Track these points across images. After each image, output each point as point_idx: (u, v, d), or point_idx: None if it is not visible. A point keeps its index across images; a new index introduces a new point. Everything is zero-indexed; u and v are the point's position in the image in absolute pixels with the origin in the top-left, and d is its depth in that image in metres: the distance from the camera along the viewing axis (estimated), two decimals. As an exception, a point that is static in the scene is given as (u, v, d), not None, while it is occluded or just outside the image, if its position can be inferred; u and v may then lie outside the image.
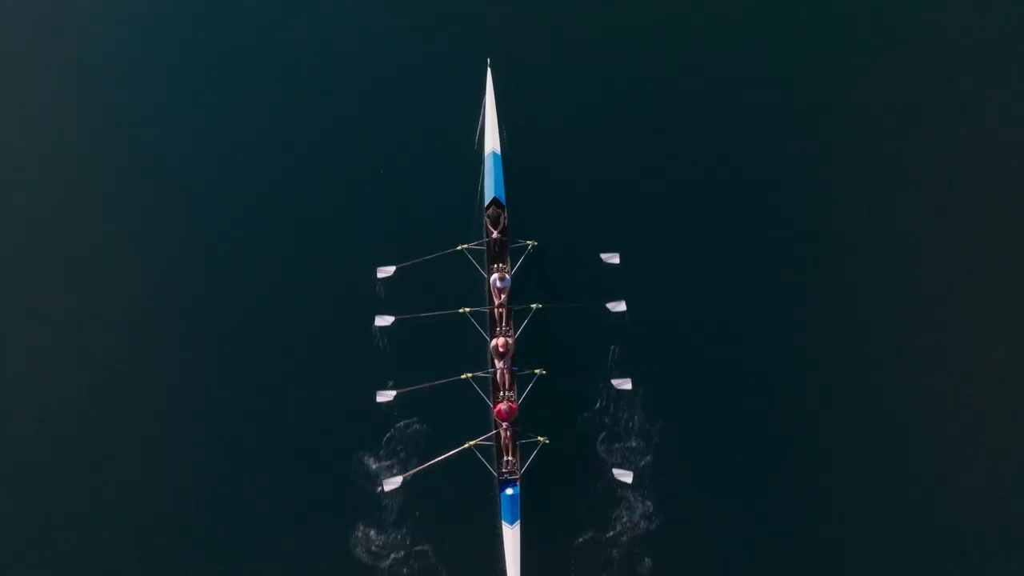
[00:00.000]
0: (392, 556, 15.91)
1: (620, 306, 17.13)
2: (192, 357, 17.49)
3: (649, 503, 16.26)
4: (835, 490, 16.53)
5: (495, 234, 17.51)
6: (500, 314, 16.98)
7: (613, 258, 17.35)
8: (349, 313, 17.52)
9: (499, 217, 17.66)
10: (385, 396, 16.51)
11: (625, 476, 16.11)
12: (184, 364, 17.44)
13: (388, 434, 16.68)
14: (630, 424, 16.78)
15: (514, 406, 16.20)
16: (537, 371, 16.70)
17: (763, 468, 16.68)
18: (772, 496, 16.51)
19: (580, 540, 16.06)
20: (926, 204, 18.80)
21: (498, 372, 16.60)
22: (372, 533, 16.04)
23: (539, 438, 16.27)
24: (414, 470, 16.11)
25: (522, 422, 16.38)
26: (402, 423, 16.75)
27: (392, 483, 16.00)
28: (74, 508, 16.30)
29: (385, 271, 17.44)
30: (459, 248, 17.61)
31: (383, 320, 17.08)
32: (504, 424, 16.12)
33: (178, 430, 16.91)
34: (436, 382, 16.40)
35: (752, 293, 17.97)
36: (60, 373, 17.28)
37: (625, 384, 16.51)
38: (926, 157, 19.15)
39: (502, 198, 17.94)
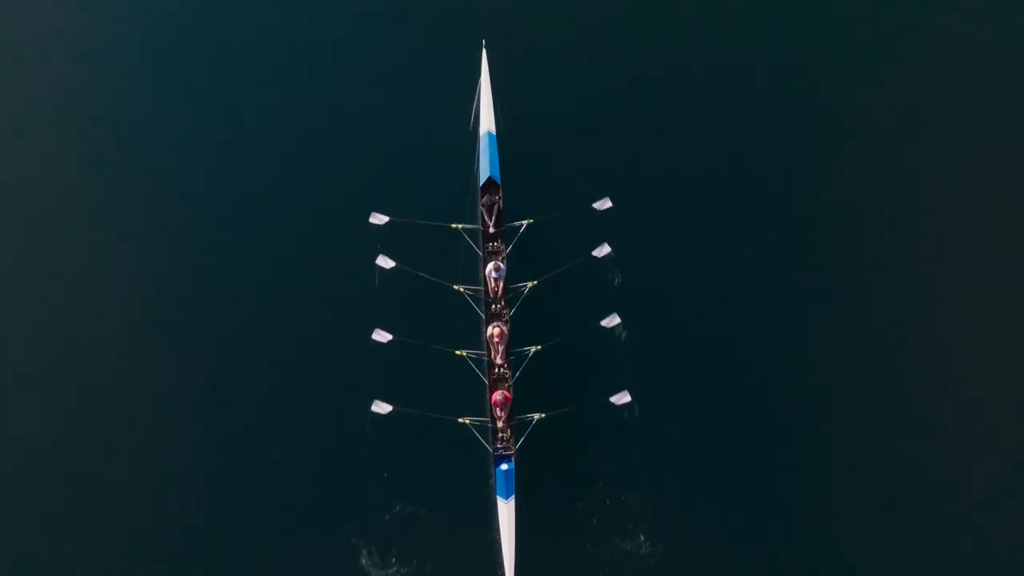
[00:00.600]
0: (388, 530, 16.05)
1: (604, 249, 17.38)
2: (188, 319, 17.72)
3: (643, 479, 16.33)
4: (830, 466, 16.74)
5: (491, 226, 17.62)
6: (495, 298, 17.11)
7: (605, 203, 17.47)
8: (347, 292, 17.78)
9: (494, 204, 17.74)
10: (381, 408, 16.54)
11: (623, 397, 16.34)
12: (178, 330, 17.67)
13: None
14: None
15: (509, 396, 16.30)
16: (532, 348, 16.79)
17: (755, 438, 16.84)
18: (764, 467, 16.66)
19: (574, 515, 16.16)
20: (927, 199, 18.79)
21: (493, 352, 16.72)
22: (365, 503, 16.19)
23: (534, 415, 16.36)
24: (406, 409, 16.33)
25: (517, 399, 16.47)
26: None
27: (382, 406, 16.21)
28: (73, 506, 16.31)
29: (379, 218, 17.72)
30: (454, 227, 17.75)
31: (384, 261, 17.43)
32: (498, 410, 16.23)
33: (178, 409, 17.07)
34: (431, 346, 16.77)
35: (753, 282, 18.17)
36: (57, 372, 17.33)
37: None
38: (927, 153, 19.14)
39: (497, 177, 18.03)
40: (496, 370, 16.67)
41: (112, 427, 16.80)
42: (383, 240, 17.69)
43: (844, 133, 19.54)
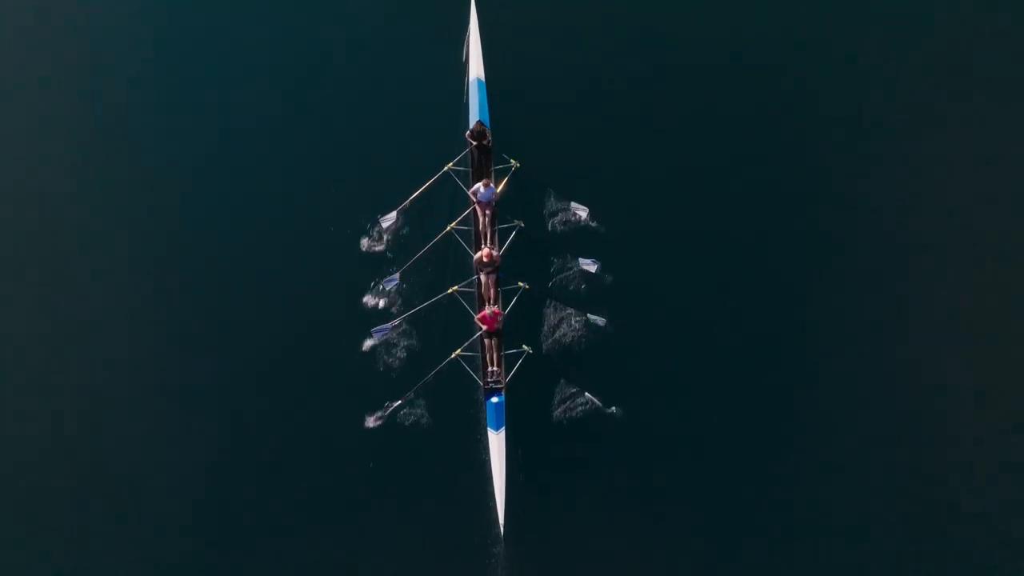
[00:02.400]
0: (383, 462, 16.44)
1: (592, 266, 17.59)
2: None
3: (625, 404, 16.72)
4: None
5: (476, 148, 17.88)
6: (484, 227, 17.34)
7: (591, 266, 17.55)
8: (337, 239, 18.01)
9: (483, 133, 18.02)
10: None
11: (599, 320, 16.88)
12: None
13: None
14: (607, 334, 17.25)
15: (498, 311, 16.62)
16: (521, 284, 17.11)
17: (731, 380, 17.23)
18: (742, 395, 17.09)
19: (563, 445, 16.53)
20: (926, 196, 18.62)
21: (483, 285, 17.00)
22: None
23: (524, 347, 16.69)
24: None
25: (506, 334, 16.80)
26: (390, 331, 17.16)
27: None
28: (71, 505, 16.40)
29: (388, 219, 17.88)
30: (445, 168, 18.02)
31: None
32: (488, 332, 16.52)
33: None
34: (425, 303, 17.06)
35: (731, 210, 18.44)
36: (54, 369, 17.32)
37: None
38: (927, 151, 18.97)
39: (486, 121, 18.32)
40: (486, 303, 16.93)
41: (111, 425, 16.83)
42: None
43: (840, 122, 19.46)
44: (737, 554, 16.01)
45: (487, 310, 16.56)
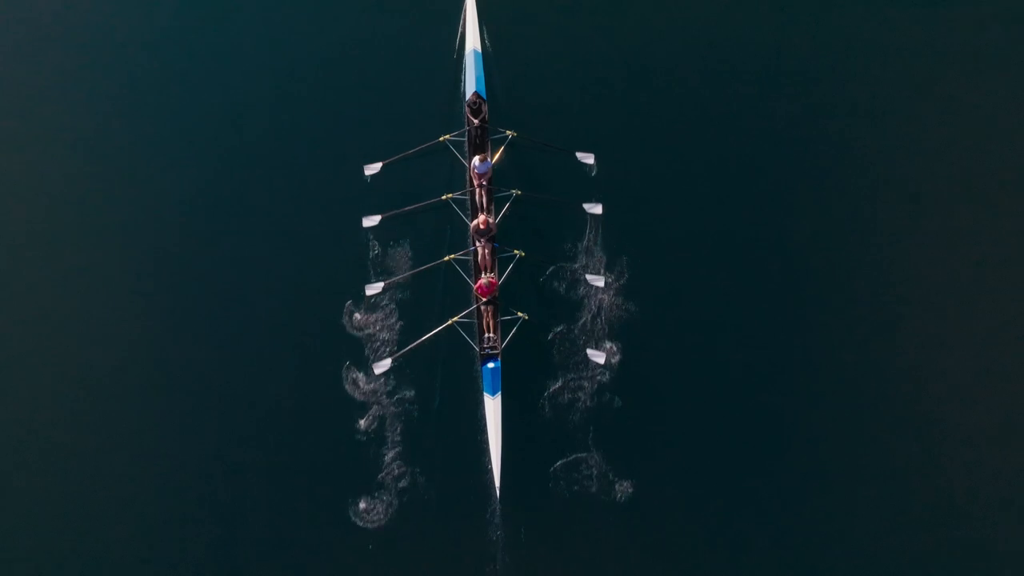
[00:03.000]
0: (380, 422, 16.76)
1: (596, 208, 17.81)
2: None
3: (617, 374, 17.05)
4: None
5: (476, 123, 18.11)
6: (481, 197, 17.61)
7: (598, 281, 17.53)
8: (336, 212, 18.24)
9: (480, 107, 18.25)
10: (373, 288, 17.21)
11: (598, 357, 16.89)
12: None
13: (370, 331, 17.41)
14: (602, 306, 17.51)
15: (495, 281, 16.91)
16: (517, 252, 17.39)
17: (726, 354, 17.45)
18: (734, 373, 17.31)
19: (558, 410, 16.83)
20: (926, 192, 18.57)
21: (479, 253, 17.28)
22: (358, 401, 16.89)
23: (519, 314, 16.99)
24: (401, 352, 16.89)
25: (502, 301, 17.11)
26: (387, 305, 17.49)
27: (381, 366, 16.76)
28: (71, 503, 16.58)
29: (372, 168, 18.10)
30: (441, 139, 18.26)
31: (370, 221, 17.78)
32: (485, 300, 16.82)
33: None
34: (419, 268, 17.36)
35: (729, 184, 18.57)
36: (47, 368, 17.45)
37: (598, 357, 17.01)
38: (925, 149, 18.91)
39: (483, 92, 18.52)
40: (482, 271, 17.19)
41: (110, 423, 16.95)
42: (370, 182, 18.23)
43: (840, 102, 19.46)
44: (730, 522, 16.31)
45: (483, 279, 16.85)
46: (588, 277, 17.35)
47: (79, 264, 18.00)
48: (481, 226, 17.10)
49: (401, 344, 17.09)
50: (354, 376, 16.90)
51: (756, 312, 17.58)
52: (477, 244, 17.26)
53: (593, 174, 18.26)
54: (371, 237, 17.80)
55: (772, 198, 18.45)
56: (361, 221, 17.74)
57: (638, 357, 17.19)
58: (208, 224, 18.29)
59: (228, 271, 17.91)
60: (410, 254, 17.72)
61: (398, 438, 16.66)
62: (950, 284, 17.77)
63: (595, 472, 16.42)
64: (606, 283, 17.34)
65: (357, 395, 16.84)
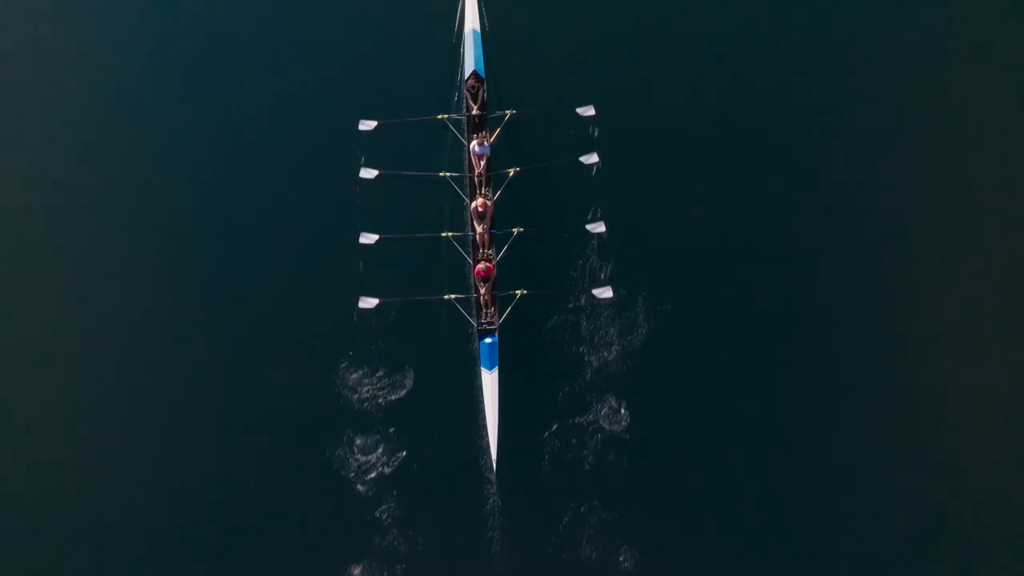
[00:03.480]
0: (376, 396, 16.99)
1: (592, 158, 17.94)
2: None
3: (615, 348, 17.23)
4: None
5: (475, 109, 18.27)
6: (479, 179, 17.79)
7: (588, 110, 18.03)
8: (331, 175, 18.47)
9: (478, 91, 18.39)
10: (367, 303, 17.23)
11: (605, 292, 17.13)
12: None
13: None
14: (602, 276, 17.73)
15: (492, 266, 17.11)
16: (515, 230, 17.55)
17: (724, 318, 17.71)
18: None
19: (554, 384, 17.06)
20: (925, 189, 18.69)
21: (477, 235, 17.44)
22: (357, 375, 17.07)
23: (517, 291, 17.16)
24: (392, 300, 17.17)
25: (500, 277, 17.29)
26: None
27: (368, 302, 16.93)
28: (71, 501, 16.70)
29: (367, 124, 18.19)
30: (440, 117, 18.39)
31: (368, 173, 17.87)
32: (482, 283, 17.00)
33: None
34: (417, 235, 17.57)
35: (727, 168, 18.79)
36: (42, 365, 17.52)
37: (606, 292, 17.22)
38: (923, 148, 19.00)
39: (481, 71, 18.66)
40: (479, 240, 17.37)
41: (109, 423, 17.06)
42: (368, 144, 18.27)
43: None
44: (721, 503, 16.57)
45: (481, 264, 17.01)
46: (588, 227, 17.56)
47: (79, 264, 18.11)
48: (479, 208, 17.26)
49: (398, 321, 17.23)
50: (349, 366, 17.09)
51: (769, 258, 17.93)
52: (475, 225, 17.41)
53: (595, 134, 18.33)
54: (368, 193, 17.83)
55: (777, 177, 18.67)
56: (359, 171, 17.88)
57: (637, 334, 17.40)
58: (203, 205, 18.53)
59: (229, 260, 18.14)
60: (408, 227, 17.86)
61: (395, 411, 16.84)
62: (950, 283, 17.90)
63: (591, 445, 16.64)
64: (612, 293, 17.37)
65: (353, 377, 17.04)
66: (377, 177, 17.85)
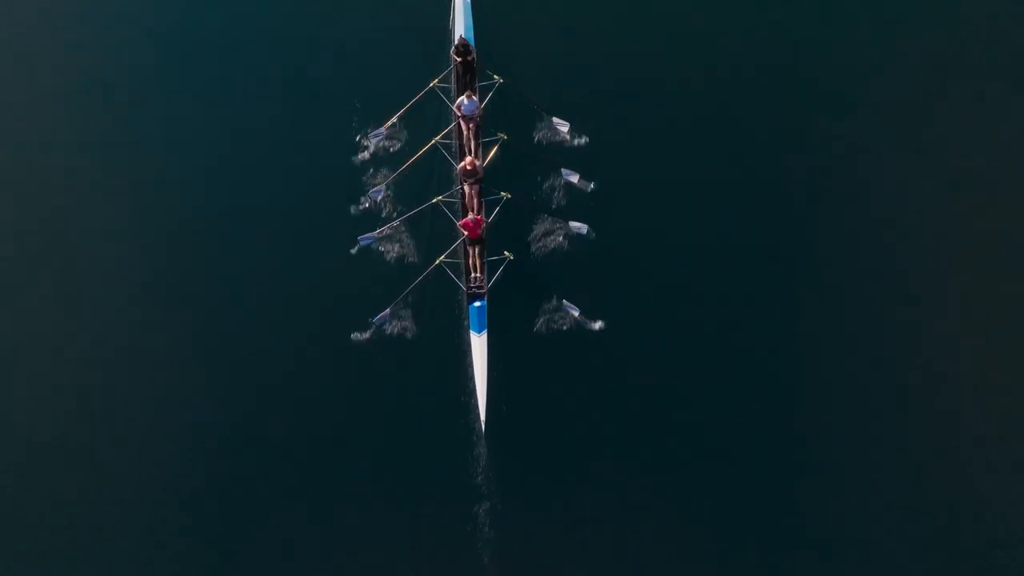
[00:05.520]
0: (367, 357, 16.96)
1: (574, 176, 17.97)
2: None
3: (600, 322, 17.16)
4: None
5: (458, 60, 18.26)
6: (468, 140, 17.76)
7: (581, 228, 17.65)
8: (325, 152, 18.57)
9: (468, 49, 18.40)
10: (365, 241, 17.46)
11: (580, 228, 17.32)
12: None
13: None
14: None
15: (481, 219, 17.06)
16: (504, 194, 17.56)
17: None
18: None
19: (543, 348, 16.97)
20: (924, 187, 18.58)
21: (466, 195, 17.44)
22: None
23: (505, 253, 17.17)
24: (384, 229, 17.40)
25: (489, 242, 17.28)
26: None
27: (367, 238, 17.18)
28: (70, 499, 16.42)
29: (377, 134, 18.37)
30: (431, 85, 18.44)
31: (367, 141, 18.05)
32: (471, 240, 16.99)
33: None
34: (411, 211, 17.55)
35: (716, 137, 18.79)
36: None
37: (582, 229, 17.39)
38: (923, 147, 18.93)
39: (471, 39, 18.71)
40: (469, 213, 17.33)
41: (110, 420, 16.87)
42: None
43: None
44: (711, 489, 16.25)
45: (470, 216, 17.00)
46: (571, 224, 17.47)
47: (77, 264, 18.10)
48: (468, 167, 17.24)
49: (389, 283, 17.24)
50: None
51: (756, 265, 17.75)
52: (464, 185, 17.40)
53: (569, 141, 18.35)
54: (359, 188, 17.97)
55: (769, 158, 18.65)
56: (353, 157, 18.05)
57: (624, 300, 17.37)
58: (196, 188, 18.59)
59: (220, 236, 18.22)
60: (394, 198, 17.92)
61: (386, 375, 16.80)
62: (951, 282, 17.71)
63: (579, 408, 16.59)
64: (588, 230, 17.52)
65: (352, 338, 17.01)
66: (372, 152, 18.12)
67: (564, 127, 18.22)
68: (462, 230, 17.14)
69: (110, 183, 18.63)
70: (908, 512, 15.95)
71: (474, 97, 17.86)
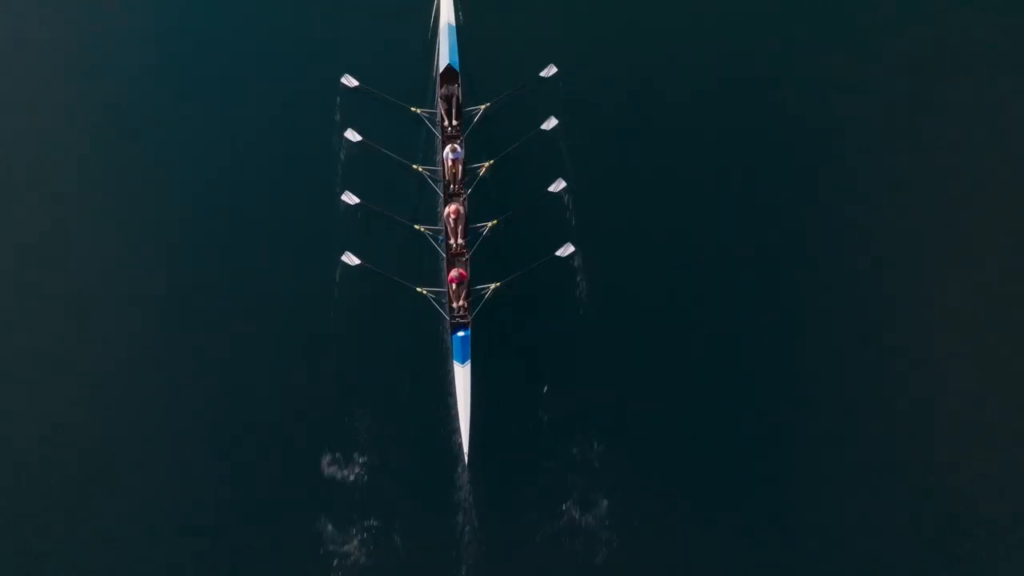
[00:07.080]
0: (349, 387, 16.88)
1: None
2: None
3: (591, 341, 17.16)
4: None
5: (452, 120, 18.32)
6: (453, 183, 17.87)
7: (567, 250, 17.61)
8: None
9: (452, 96, 18.41)
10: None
11: (566, 250, 17.31)
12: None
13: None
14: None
15: (465, 274, 17.07)
16: (488, 224, 17.56)
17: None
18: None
19: (527, 378, 17.00)
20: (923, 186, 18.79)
21: (451, 240, 17.50)
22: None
23: (489, 285, 17.15)
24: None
25: (473, 270, 17.29)
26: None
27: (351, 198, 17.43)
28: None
29: (350, 80, 18.74)
30: (413, 110, 18.44)
31: (349, 199, 17.93)
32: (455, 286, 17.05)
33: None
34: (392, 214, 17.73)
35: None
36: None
37: (567, 249, 17.39)
38: (921, 146, 19.14)
39: (456, 66, 18.69)
40: (454, 247, 17.39)
41: (111, 419, 16.86)
42: (348, 109, 18.63)
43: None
44: (699, 481, 16.40)
45: (454, 271, 16.97)
46: (557, 253, 17.46)
47: (77, 264, 18.07)
48: (452, 215, 17.34)
49: (374, 311, 17.25)
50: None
51: (744, 272, 17.89)
52: (449, 233, 17.43)
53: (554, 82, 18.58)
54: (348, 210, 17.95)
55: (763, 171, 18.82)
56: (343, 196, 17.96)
57: (610, 320, 17.43)
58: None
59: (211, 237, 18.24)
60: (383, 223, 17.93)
61: (367, 404, 16.69)
62: (950, 281, 17.84)
63: (563, 441, 16.56)
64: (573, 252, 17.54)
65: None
66: (359, 143, 18.21)
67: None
68: (448, 282, 17.11)
69: (110, 183, 18.69)
70: (908, 512, 16.07)
71: (459, 149, 17.88)
